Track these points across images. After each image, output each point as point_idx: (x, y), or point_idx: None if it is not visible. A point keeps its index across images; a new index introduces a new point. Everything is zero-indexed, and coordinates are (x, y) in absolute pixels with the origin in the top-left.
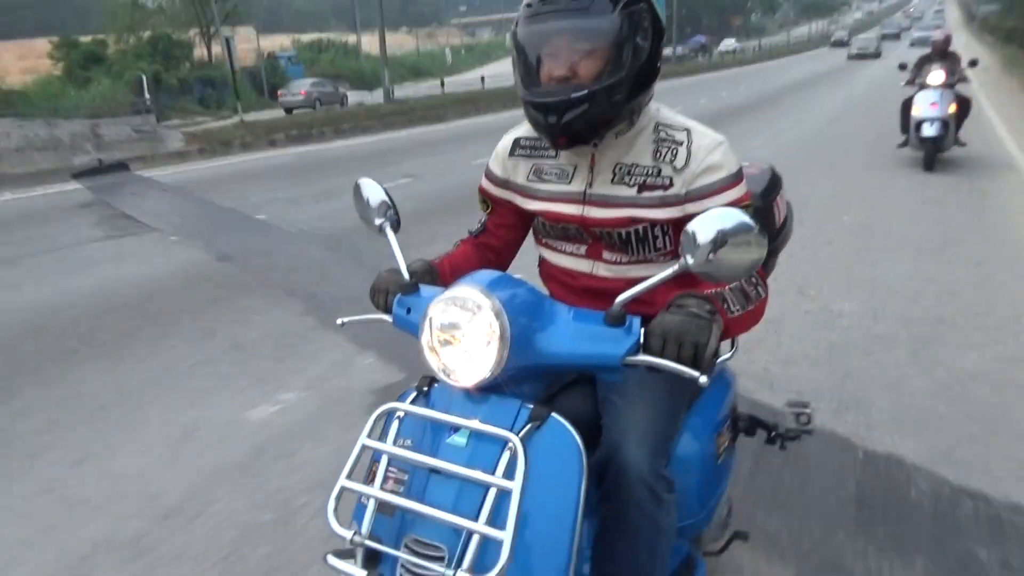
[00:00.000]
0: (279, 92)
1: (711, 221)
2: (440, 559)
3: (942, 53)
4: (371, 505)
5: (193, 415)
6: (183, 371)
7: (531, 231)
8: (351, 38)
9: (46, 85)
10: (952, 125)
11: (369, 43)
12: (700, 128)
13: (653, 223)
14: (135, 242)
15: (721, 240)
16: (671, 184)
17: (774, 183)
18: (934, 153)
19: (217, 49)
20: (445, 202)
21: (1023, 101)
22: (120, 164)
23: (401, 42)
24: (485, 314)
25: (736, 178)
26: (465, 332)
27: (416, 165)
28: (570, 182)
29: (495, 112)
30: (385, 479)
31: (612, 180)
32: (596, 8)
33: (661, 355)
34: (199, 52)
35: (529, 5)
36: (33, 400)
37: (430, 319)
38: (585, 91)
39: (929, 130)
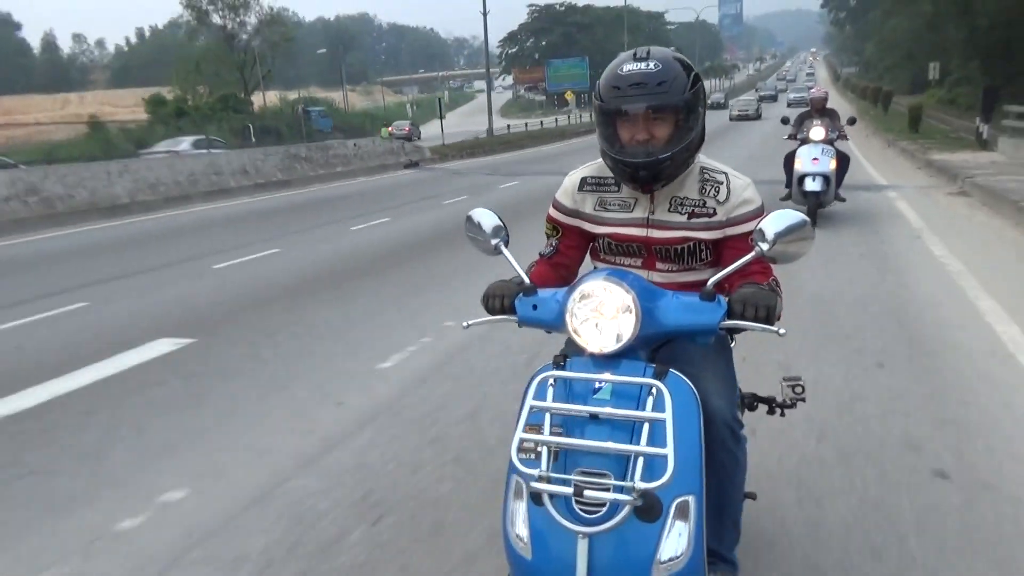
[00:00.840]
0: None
1: (778, 219)
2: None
3: (821, 110)
4: (545, 451)
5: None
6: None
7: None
8: (332, 95)
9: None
10: (833, 180)
11: (339, 99)
12: (734, 172)
13: (700, 241)
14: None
15: (786, 232)
16: (715, 213)
17: None
18: (816, 207)
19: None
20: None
21: (875, 143)
22: (414, 162)
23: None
24: (624, 295)
25: (762, 209)
26: (607, 312)
27: (552, 166)
28: (632, 211)
29: (544, 144)
30: (551, 432)
31: (668, 209)
32: (675, 89)
33: (742, 318)
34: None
35: (617, 87)
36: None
37: (574, 307)
38: (669, 154)
39: (812, 185)
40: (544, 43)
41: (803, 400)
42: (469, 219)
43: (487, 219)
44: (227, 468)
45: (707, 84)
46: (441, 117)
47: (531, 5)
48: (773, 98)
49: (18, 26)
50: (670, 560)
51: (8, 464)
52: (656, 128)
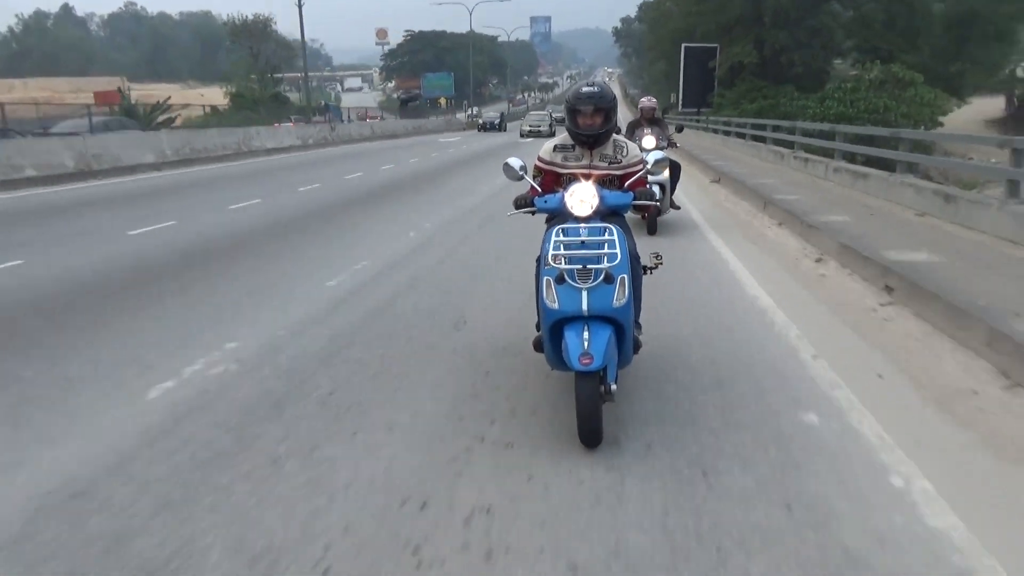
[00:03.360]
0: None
1: (656, 156)
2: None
3: (651, 119)
4: (563, 261)
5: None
6: None
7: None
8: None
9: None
10: (668, 188)
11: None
12: (630, 143)
13: (613, 175)
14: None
15: (657, 162)
16: (621, 162)
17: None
18: (655, 216)
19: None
20: None
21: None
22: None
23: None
24: (592, 189)
25: (642, 159)
26: (585, 199)
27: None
28: (580, 160)
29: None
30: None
31: (598, 160)
32: (605, 101)
33: (640, 198)
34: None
35: (579, 98)
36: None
37: (569, 198)
38: (604, 130)
39: None
40: (418, 59)
41: (662, 264)
42: (506, 164)
43: (514, 162)
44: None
45: (527, 99)
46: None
47: (407, 31)
48: (563, 121)
49: None
50: (619, 302)
51: None
52: (596, 118)
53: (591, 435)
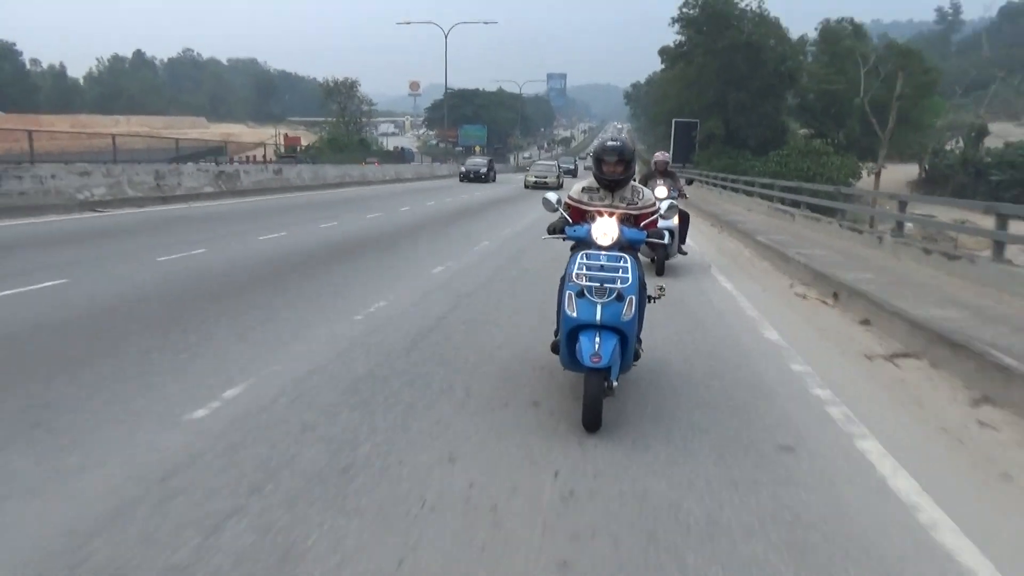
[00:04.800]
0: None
1: (668, 202)
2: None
3: (663, 172)
4: (584, 279)
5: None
6: None
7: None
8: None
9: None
10: (676, 234)
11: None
12: (645, 188)
13: (630, 214)
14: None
15: (670, 207)
16: (637, 203)
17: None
18: (664, 258)
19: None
20: None
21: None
22: None
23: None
24: (614, 224)
25: (655, 202)
26: (608, 232)
27: None
28: (603, 201)
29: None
30: (586, 270)
31: (618, 200)
32: (625, 154)
33: (651, 236)
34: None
35: (604, 150)
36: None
37: (595, 229)
38: (624, 177)
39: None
40: (458, 114)
41: (664, 295)
42: (545, 199)
43: (552, 197)
44: None
45: (534, 152)
46: None
47: (449, 88)
48: (572, 172)
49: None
50: (626, 316)
51: None
52: (618, 167)
53: (593, 422)
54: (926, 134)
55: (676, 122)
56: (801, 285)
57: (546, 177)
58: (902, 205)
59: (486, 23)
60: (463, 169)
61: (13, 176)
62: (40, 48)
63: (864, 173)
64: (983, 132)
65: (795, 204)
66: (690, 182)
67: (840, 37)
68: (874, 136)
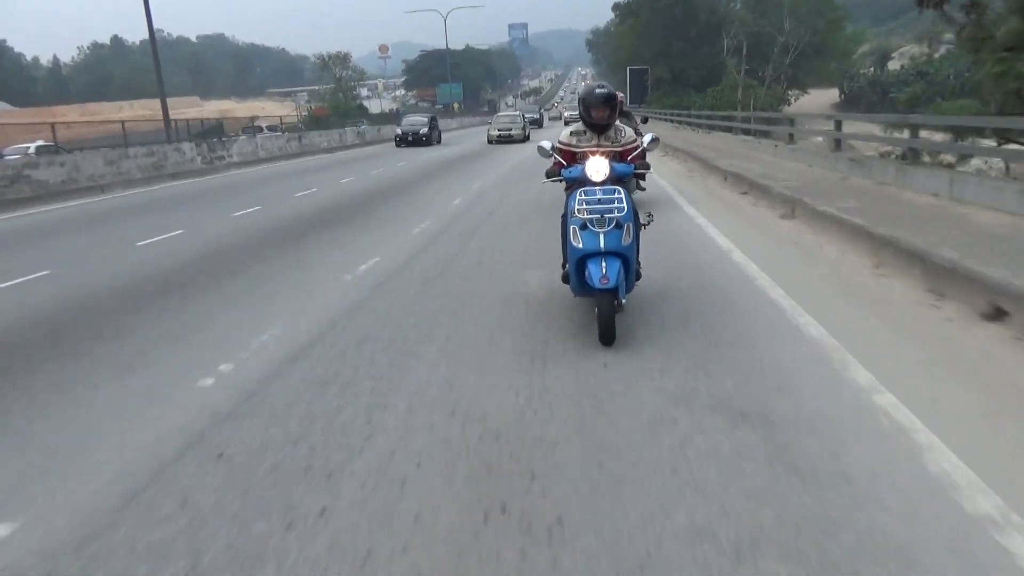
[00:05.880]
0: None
1: (650, 136)
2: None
3: (621, 112)
4: (585, 212)
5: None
6: None
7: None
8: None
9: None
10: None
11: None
12: (627, 127)
13: (615, 152)
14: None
15: (652, 140)
16: (620, 142)
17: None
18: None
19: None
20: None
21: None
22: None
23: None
24: (605, 162)
25: (636, 138)
26: (600, 169)
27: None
28: (591, 142)
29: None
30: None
31: (604, 140)
32: (610, 98)
33: (639, 167)
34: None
35: (591, 94)
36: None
37: (588, 167)
38: (608, 122)
39: None
40: (432, 74)
41: (652, 221)
42: (539, 146)
43: (545, 143)
44: None
45: (499, 102)
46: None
47: (423, 49)
48: (538, 123)
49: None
50: (626, 241)
51: None
52: (604, 111)
53: (608, 336)
54: (850, 61)
55: (630, 69)
56: (727, 184)
57: (510, 129)
58: (791, 123)
59: None
60: (398, 131)
61: (57, 164)
62: (13, 39)
63: (791, 99)
64: (886, 56)
65: (728, 129)
66: (645, 120)
67: None
68: (798, 68)
